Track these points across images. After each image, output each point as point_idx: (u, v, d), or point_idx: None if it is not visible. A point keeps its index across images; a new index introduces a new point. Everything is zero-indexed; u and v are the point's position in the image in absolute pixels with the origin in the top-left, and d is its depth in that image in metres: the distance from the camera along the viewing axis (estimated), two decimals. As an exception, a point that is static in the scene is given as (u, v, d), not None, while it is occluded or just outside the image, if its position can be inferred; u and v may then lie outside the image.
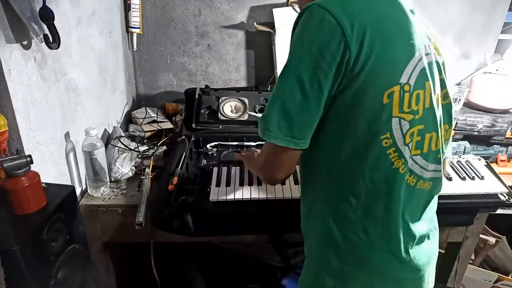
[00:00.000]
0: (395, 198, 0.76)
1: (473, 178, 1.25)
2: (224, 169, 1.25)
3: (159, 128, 1.68)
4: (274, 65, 1.83)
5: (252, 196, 1.11)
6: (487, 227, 1.87)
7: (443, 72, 0.80)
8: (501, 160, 1.65)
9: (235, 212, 1.14)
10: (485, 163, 1.35)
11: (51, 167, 1.08)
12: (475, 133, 1.63)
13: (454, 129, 1.56)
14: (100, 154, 1.21)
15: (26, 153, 0.89)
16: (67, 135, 1.17)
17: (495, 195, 1.20)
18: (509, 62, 1.74)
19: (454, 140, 1.61)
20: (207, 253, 1.72)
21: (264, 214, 1.16)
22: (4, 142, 0.86)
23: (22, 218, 0.82)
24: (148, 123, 1.73)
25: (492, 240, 1.85)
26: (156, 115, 1.77)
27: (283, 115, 0.72)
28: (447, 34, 1.87)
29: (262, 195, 1.12)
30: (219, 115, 1.53)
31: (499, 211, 1.41)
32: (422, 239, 0.83)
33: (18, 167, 0.79)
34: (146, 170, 1.34)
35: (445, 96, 0.81)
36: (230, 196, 1.11)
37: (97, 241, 1.28)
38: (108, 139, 1.48)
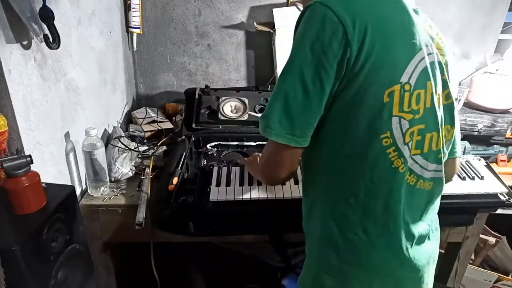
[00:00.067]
0: (394, 198, 0.76)
1: (473, 178, 1.24)
2: (224, 169, 1.25)
3: (159, 128, 1.68)
4: (274, 65, 1.83)
5: (252, 196, 1.11)
6: (487, 227, 1.87)
7: (445, 72, 0.80)
8: (501, 160, 1.65)
9: (235, 212, 1.14)
10: (485, 163, 1.35)
11: (51, 167, 1.08)
12: (475, 133, 1.63)
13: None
14: (100, 154, 1.21)
15: (26, 153, 0.89)
16: (67, 135, 1.17)
17: (495, 195, 1.20)
18: (509, 62, 1.74)
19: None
20: (207, 253, 1.72)
21: (264, 214, 1.16)
22: (4, 142, 0.86)
23: (22, 218, 0.82)
24: (148, 123, 1.73)
25: (492, 240, 1.85)
26: (156, 115, 1.77)
27: (285, 113, 0.72)
28: (447, 34, 1.87)
29: (262, 195, 1.12)
30: (219, 115, 1.53)
31: (499, 211, 1.41)
32: (422, 239, 0.83)
33: (18, 167, 0.79)
34: (146, 170, 1.34)
35: (447, 96, 0.81)
36: (230, 196, 1.11)
37: (97, 241, 1.28)
38: (108, 139, 1.48)
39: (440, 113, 0.78)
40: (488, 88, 1.67)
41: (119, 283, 1.50)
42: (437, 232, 0.89)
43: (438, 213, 0.90)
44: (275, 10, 1.75)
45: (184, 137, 1.44)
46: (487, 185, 1.22)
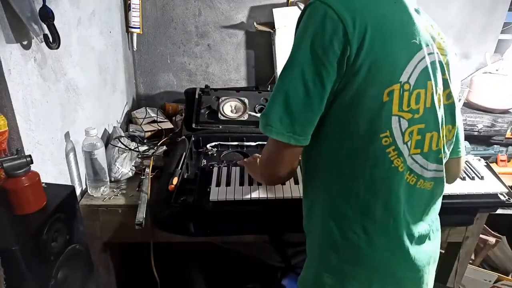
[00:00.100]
0: (394, 197, 0.76)
1: (473, 178, 1.24)
2: (224, 169, 1.25)
3: (159, 128, 1.68)
4: (274, 65, 1.83)
5: (252, 196, 1.11)
6: (487, 227, 1.87)
7: (446, 72, 0.80)
8: (501, 160, 1.65)
9: (235, 212, 1.14)
10: (485, 163, 1.35)
11: (51, 167, 1.08)
12: (475, 133, 1.63)
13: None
14: (100, 154, 1.21)
15: (26, 153, 0.89)
16: (67, 135, 1.17)
17: (495, 195, 1.20)
18: (509, 62, 1.74)
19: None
20: (207, 253, 1.72)
21: (264, 214, 1.16)
22: (4, 142, 0.86)
23: (22, 218, 0.82)
24: (148, 123, 1.73)
25: (492, 240, 1.85)
26: (156, 115, 1.77)
27: (285, 111, 0.72)
28: (447, 34, 1.86)
29: (262, 195, 1.12)
30: (219, 115, 1.53)
31: (499, 211, 1.41)
32: (422, 239, 0.83)
33: (18, 167, 0.79)
34: (146, 170, 1.34)
35: (448, 96, 0.81)
36: (230, 196, 1.11)
37: (97, 241, 1.28)
38: (108, 139, 1.48)
39: (440, 113, 0.78)
40: (488, 88, 1.67)
41: (119, 283, 1.50)
42: (438, 232, 0.89)
43: (438, 213, 0.90)
44: (275, 10, 1.75)
45: (184, 137, 1.44)
46: (487, 185, 1.22)
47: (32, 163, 0.82)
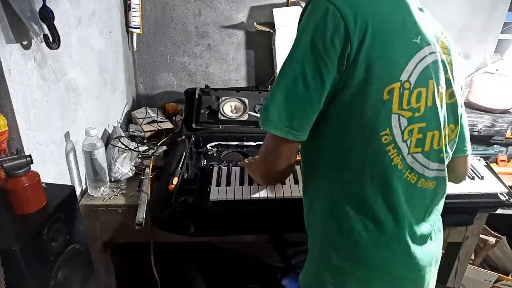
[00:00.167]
0: (394, 195, 0.76)
1: (473, 178, 1.24)
2: (224, 169, 1.25)
3: (159, 128, 1.68)
4: (274, 65, 1.83)
5: (252, 196, 1.11)
6: (487, 227, 1.87)
7: (449, 71, 0.80)
8: (501, 160, 1.65)
9: (235, 212, 1.14)
10: (485, 163, 1.36)
11: (51, 167, 1.08)
12: (475, 133, 1.63)
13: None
14: (100, 154, 1.21)
15: (26, 153, 0.89)
16: (67, 135, 1.17)
17: (495, 195, 1.20)
18: (509, 62, 1.74)
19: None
20: (207, 253, 1.72)
21: (264, 214, 1.16)
22: (4, 142, 0.86)
23: (22, 218, 0.82)
24: (148, 123, 1.73)
25: (492, 240, 1.85)
26: (156, 115, 1.77)
27: (284, 106, 0.72)
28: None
29: (262, 195, 1.12)
30: (219, 115, 1.53)
31: (499, 211, 1.41)
32: (424, 239, 0.82)
33: (18, 167, 0.79)
34: (146, 170, 1.34)
35: (451, 95, 0.81)
36: (230, 196, 1.11)
37: (97, 241, 1.28)
38: (108, 139, 1.48)
39: (442, 112, 0.78)
40: (488, 88, 1.67)
41: (119, 283, 1.50)
42: (440, 233, 0.89)
43: (438, 213, 0.90)
44: (275, 10, 1.75)
45: (184, 137, 1.44)
46: (487, 185, 1.22)
47: (32, 163, 0.82)
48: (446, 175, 0.82)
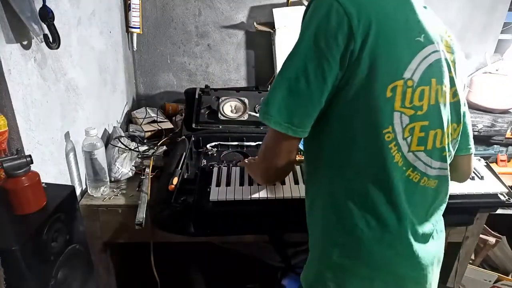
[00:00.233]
0: (395, 193, 0.75)
1: (473, 178, 1.24)
2: (224, 169, 1.25)
3: (159, 128, 1.68)
4: (274, 65, 1.83)
5: (252, 196, 1.11)
6: (487, 227, 1.87)
7: (452, 70, 0.79)
8: (501, 160, 1.65)
9: (235, 212, 1.14)
10: (485, 163, 1.35)
11: (51, 167, 1.08)
12: (475, 133, 1.63)
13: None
14: (100, 154, 1.21)
15: (26, 153, 0.89)
16: (67, 135, 1.17)
17: (495, 195, 1.20)
18: (509, 62, 1.74)
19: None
20: (207, 253, 1.72)
21: (264, 214, 1.16)
22: (4, 142, 0.86)
23: (22, 218, 0.82)
24: (148, 123, 1.73)
25: (492, 240, 1.85)
26: (156, 115, 1.77)
27: (285, 102, 0.72)
28: (447, 34, 1.87)
29: (262, 195, 1.12)
30: (219, 115, 1.53)
31: (499, 211, 1.41)
32: (426, 238, 0.82)
33: (18, 167, 0.79)
34: (146, 170, 1.34)
35: (454, 94, 0.81)
36: (230, 196, 1.11)
37: (97, 241, 1.28)
38: (108, 139, 1.48)
39: (446, 110, 0.78)
40: (488, 88, 1.67)
41: (119, 283, 1.50)
42: (442, 233, 0.88)
43: (439, 213, 0.89)
44: (275, 10, 1.75)
45: (184, 137, 1.44)
46: (487, 185, 1.22)
47: (32, 163, 0.82)
48: (449, 174, 0.82)
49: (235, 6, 1.84)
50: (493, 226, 1.88)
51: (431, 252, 0.83)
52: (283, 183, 1.16)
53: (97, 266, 1.26)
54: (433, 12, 0.81)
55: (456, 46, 0.83)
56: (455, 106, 0.82)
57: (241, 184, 1.17)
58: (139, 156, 1.42)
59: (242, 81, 2.02)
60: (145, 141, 1.57)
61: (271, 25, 1.76)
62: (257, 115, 1.54)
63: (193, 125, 1.52)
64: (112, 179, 1.33)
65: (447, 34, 0.82)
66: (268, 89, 1.65)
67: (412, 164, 0.76)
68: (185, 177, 1.24)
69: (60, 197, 0.90)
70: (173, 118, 1.84)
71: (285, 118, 0.73)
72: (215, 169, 1.24)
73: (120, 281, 1.50)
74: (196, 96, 1.59)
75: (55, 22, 0.96)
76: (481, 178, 1.25)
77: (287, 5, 1.79)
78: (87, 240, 1.02)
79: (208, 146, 1.46)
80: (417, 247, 0.79)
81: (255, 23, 1.78)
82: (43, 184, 0.88)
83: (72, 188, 0.96)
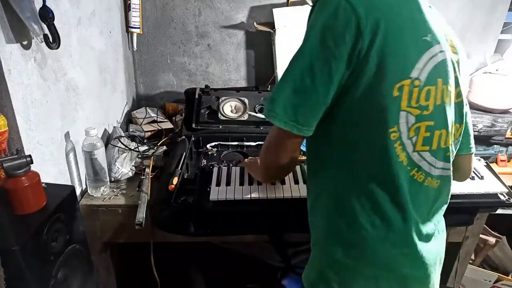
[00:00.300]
0: (401, 192, 0.75)
1: (473, 178, 1.24)
2: (224, 169, 1.25)
3: (159, 128, 1.68)
4: (274, 65, 1.83)
5: (252, 196, 1.11)
6: (487, 227, 1.87)
7: (457, 70, 0.79)
8: (501, 160, 1.65)
9: (235, 212, 1.14)
10: (485, 163, 1.35)
11: (51, 167, 1.08)
12: (475, 133, 1.63)
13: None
14: (100, 154, 1.21)
15: (26, 153, 0.89)
16: (67, 135, 1.17)
17: (495, 195, 1.20)
18: (509, 62, 1.74)
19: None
20: (207, 253, 1.72)
21: (264, 214, 1.16)
22: (4, 142, 0.86)
23: (22, 218, 0.82)
24: (148, 123, 1.73)
25: (492, 240, 1.85)
26: (156, 115, 1.77)
27: (290, 100, 0.72)
28: (447, 34, 1.87)
29: (262, 195, 1.12)
30: (219, 115, 1.53)
31: (499, 211, 1.41)
32: (429, 238, 0.82)
33: (18, 167, 0.79)
34: (146, 170, 1.34)
35: (458, 94, 0.81)
36: (230, 196, 1.11)
37: (97, 241, 1.28)
38: (108, 139, 1.48)
39: (451, 111, 0.78)
40: (488, 88, 1.67)
41: (119, 283, 1.50)
42: (443, 233, 0.88)
43: (439, 213, 0.89)
44: (275, 10, 1.75)
45: (184, 137, 1.44)
46: (487, 185, 1.22)
47: (32, 163, 0.82)
48: (451, 174, 0.82)
49: (235, 6, 1.84)
50: (493, 226, 1.88)
51: (434, 252, 0.83)
52: (283, 183, 1.17)
53: (97, 266, 1.26)
54: (437, 11, 0.80)
55: (460, 46, 0.83)
56: (459, 106, 0.82)
57: (241, 183, 1.17)
58: (139, 156, 1.42)
59: (242, 81, 2.02)
60: (145, 141, 1.57)
61: (271, 25, 1.76)
62: (257, 115, 1.54)
63: (193, 125, 1.52)
64: (112, 179, 1.33)
65: (452, 34, 0.82)
66: (268, 89, 1.67)
67: (417, 164, 0.76)
68: (185, 177, 1.24)
69: (60, 197, 0.90)
70: (173, 118, 1.84)
71: (291, 116, 0.72)
72: (215, 169, 1.24)
73: (120, 281, 1.50)
74: (196, 96, 1.59)
75: (55, 22, 0.96)
76: (481, 178, 1.25)
77: (287, 5, 1.79)
78: (87, 240, 1.02)
79: (208, 146, 1.46)
80: (421, 247, 0.79)
81: (255, 23, 1.78)
82: (43, 184, 0.87)
83: (72, 188, 0.96)
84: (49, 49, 0.99)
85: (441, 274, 0.90)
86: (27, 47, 0.94)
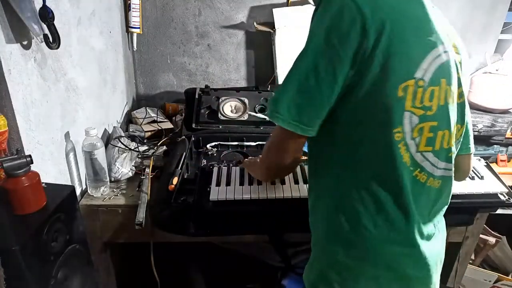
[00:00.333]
0: (404, 192, 0.75)
1: (473, 178, 1.24)
2: (224, 169, 1.25)
3: (159, 128, 1.68)
4: (274, 65, 1.83)
5: (252, 196, 1.11)
6: (487, 227, 1.87)
7: (459, 71, 0.79)
8: (501, 160, 1.65)
9: (235, 212, 1.14)
10: (485, 163, 1.35)
11: (51, 167, 1.08)
12: (475, 133, 1.63)
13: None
14: (100, 154, 1.21)
15: (26, 153, 0.89)
16: (67, 135, 1.17)
17: (495, 195, 1.20)
18: (509, 62, 1.74)
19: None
20: (207, 253, 1.72)
21: (264, 214, 1.16)
22: (4, 142, 0.86)
23: (22, 218, 0.82)
24: (148, 123, 1.73)
25: (492, 240, 1.85)
26: (156, 115, 1.77)
27: (294, 100, 0.72)
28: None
29: (262, 195, 1.12)
30: (219, 115, 1.53)
31: (499, 211, 1.41)
32: (430, 238, 0.82)
33: (18, 167, 0.79)
34: (146, 170, 1.34)
35: (460, 95, 0.81)
36: (230, 196, 1.11)
37: (97, 241, 1.28)
38: (108, 139, 1.48)
39: (453, 111, 0.78)
40: (488, 88, 1.67)
41: (119, 283, 1.50)
42: (443, 233, 0.89)
43: (439, 213, 0.89)
44: (275, 10, 1.75)
45: (184, 137, 1.44)
46: (487, 185, 1.22)
47: (32, 163, 0.81)
48: (453, 174, 0.82)
49: (235, 6, 1.84)
50: (493, 226, 1.88)
51: (435, 252, 0.83)
52: (283, 183, 1.17)
53: (97, 266, 1.26)
54: (441, 12, 0.80)
55: (462, 47, 0.83)
56: (461, 107, 0.82)
57: (241, 183, 1.17)
58: (139, 156, 1.42)
59: (242, 81, 2.02)
60: (145, 141, 1.57)
61: (271, 25, 1.76)
62: (257, 115, 1.54)
63: (193, 125, 1.52)
64: (112, 179, 1.33)
65: (454, 34, 0.82)
66: (268, 89, 1.67)
67: (419, 165, 0.76)
68: (185, 177, 1.24)
69: (60, 197, 0.90)
70: (173, 118, 1.84)
71: (294, 117, 0.72)
72: (215, 169, 1.24)
73: (120, 281, 1.50)
74: (196, 96, 1.59)
75: (55, 22, 0.96)
76: (481, 178, 1.25)
77: (287, 5, 1.79)
78: (87, 240, 1.02)
79: (208, 146, 1.46)
80: (424, 247, 0.79)
81: (255, 23, 1.78)
82: (43, 184, 0.87)
83: (72, 188, 0.96)
84: (49, 49, 0.99)
85: (441, 274, 0.90)
86: (27, 47, 0.94)
